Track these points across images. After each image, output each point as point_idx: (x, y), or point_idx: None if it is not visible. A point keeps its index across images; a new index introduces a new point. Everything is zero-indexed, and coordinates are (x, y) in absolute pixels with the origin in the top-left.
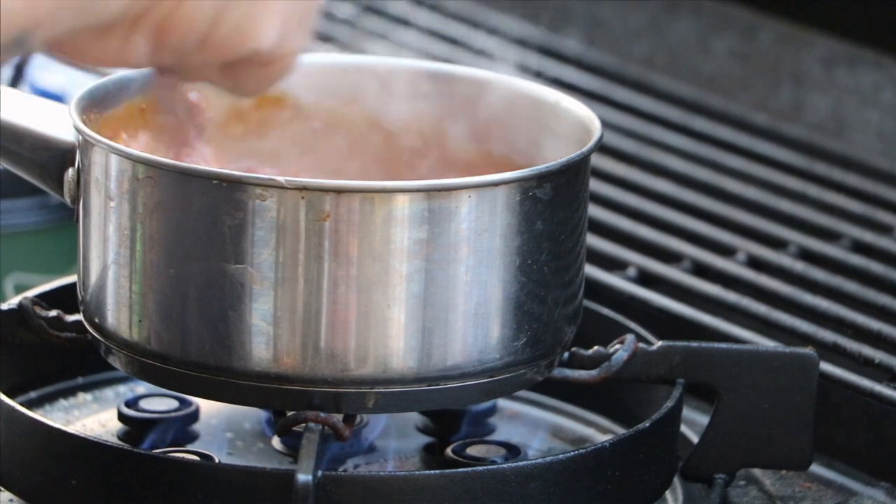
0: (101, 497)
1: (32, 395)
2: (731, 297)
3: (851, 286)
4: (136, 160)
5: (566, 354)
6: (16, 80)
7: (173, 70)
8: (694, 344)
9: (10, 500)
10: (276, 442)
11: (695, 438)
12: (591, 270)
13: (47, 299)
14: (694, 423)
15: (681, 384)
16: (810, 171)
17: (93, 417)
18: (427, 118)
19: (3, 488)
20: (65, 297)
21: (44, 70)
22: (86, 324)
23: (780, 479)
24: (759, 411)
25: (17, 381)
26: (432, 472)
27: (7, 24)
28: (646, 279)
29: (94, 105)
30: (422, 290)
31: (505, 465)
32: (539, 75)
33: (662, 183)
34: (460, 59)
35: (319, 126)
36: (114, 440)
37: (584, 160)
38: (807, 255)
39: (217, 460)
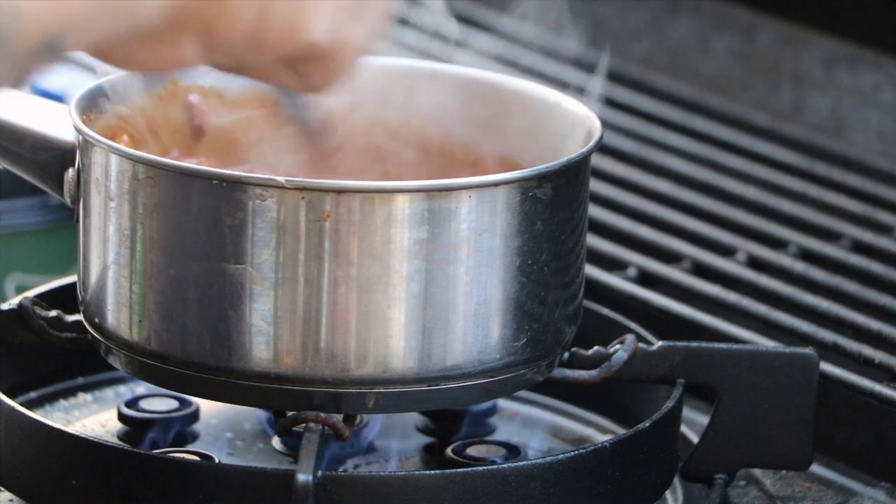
0: (102, 497)
1: (32, 395)
2: (731, 297)
3: (851, 286)
4: (137, 160)
5: (566, 354)
6: None
7: (237, 70)
8: (694, 344)
9: (10, 500)
10: (276, 442)
11: (695, 438)
12: (591, 270)
13: (47, 299)
14: (694, 424)
15: (681, 384)
16: (810, 171)
17: (93, 417)
18: (427, 118)
19: (3, 488)
20: (65, 298)
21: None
22: (86, 324)
23: (780, 480)
24: (760, 411)
25: (17, 382)
26: (432, 472)
27: (35, 27)
28: (646, 279)
29: (94, 105)
30: (422, 291)
31: (505, 466)
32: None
33: (662, 183)
34: (460, 59)
35: (319, 126)
36: (114, 440)
37: (584, 160)
38: (807, 256)
39: (217, 460)
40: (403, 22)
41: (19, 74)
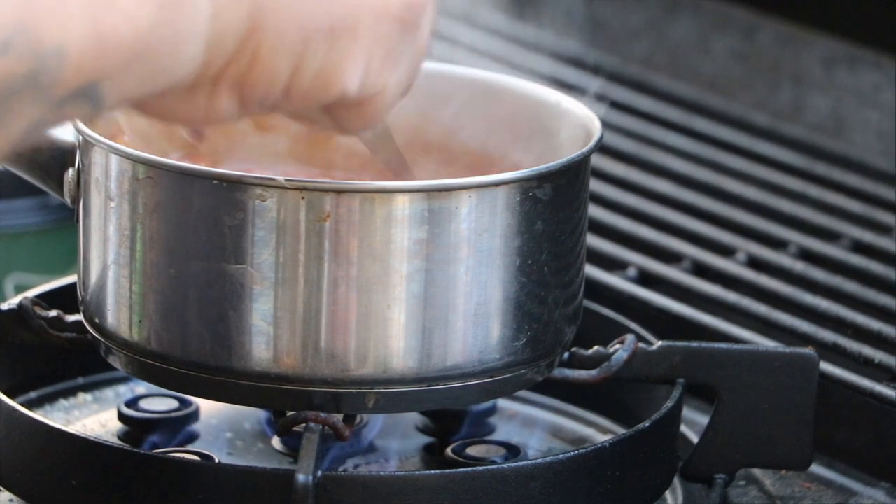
0: (102, 497)
1: (32, 395)
2: (731, 297)
3: (851, 286)
4: (137, 160)
5: (566, 354)
6: None
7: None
8: (694, 344)
9: (10, 501)
10: (276, 442)
11: (695, 438)
12: (591, 270)
13: (47, 299)
14: (694, 423)
15: (681, 384)
16: (810, 171)
17: (93, 417)
18: (427, 118)
19: (3, 488)
20: (65, 298)
21: None
22: (86, 324)
23: (780, 479)
24: (760, 411)
25: (17, 382)
26: (432, 472)
27: (75, 69)
28: (646, 279)
29: None
30: (422, 291)
31: (505, 465)
32: (539, 76)
33: (662, 183)
34: (460, 59)
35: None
36: (114, 440)
37: (584, 160)
38: (807, 256)
39: (217, 460)
40: None
41: (56, 119)
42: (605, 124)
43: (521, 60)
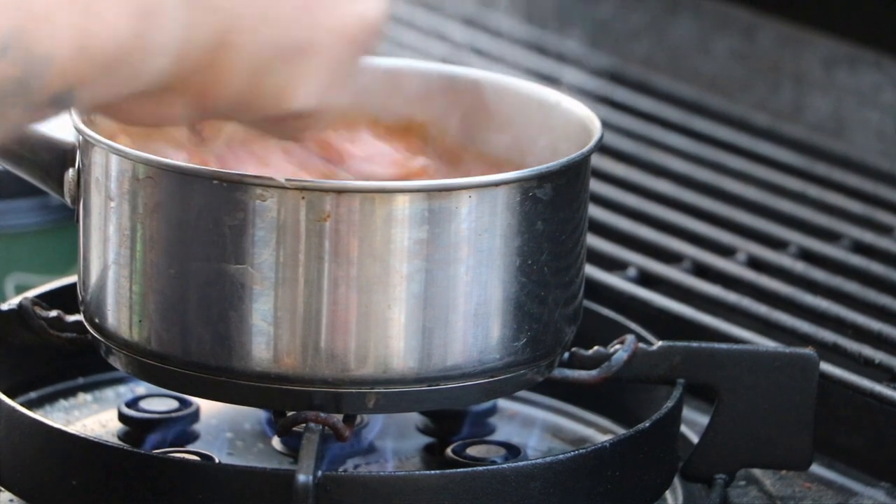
0: (102, 497)
1: (33, 395)
2: (731, 297)
3: (852, 286)
4: (137, 160)
5: (566, 355)
6: None
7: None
8: (694, 344)
9: (11, 501)
10: (276, 442)
11: (695, 438)
12: (591, 271)
13: (48, 299)
14: (694, 424)
15: (681, 384)
16: (810, 171)
17: (93, 418)
18: (427, 118)
19: (3, 488)
20: (65, 298)
21: None
22: (86, 324)
23: (780, 480)
24: (760, 411)
25: (17, 382)
26: (432, 472)
27: (58, 77)
28: (646, 279)
29: None
30: (422, 291)
31: (505, 466)
32: (539, 76)
33: (663, 183)
34: (460, 59)
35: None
36: (114, 440)
37: (584, 160)
38: (807, 256)
39: (217, 461)
40: (403, 22)
41: (30, 122)
42: (606, 124)
43: (520, 60)
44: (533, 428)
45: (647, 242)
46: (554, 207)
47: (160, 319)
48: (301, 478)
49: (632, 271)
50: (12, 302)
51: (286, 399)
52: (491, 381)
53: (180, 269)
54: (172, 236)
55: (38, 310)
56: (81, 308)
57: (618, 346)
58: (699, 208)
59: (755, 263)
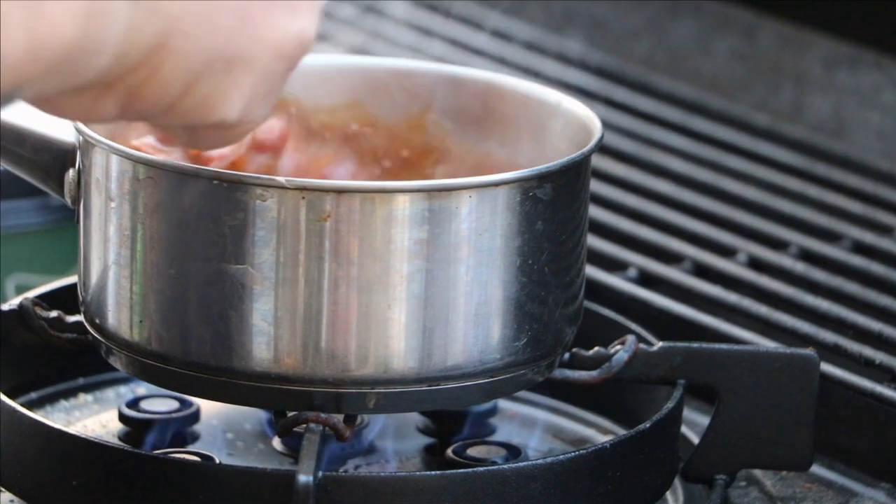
0: (102, 498)
1: (33, 395)
2: (731, 297)
3: (852, 287)
4: (137, 161)
5: (567, 355)
6: None
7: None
8: (695, 345)
9: (11, 501)
10: (276, 443)
11: (695, 439)
12: (591, 271)
13: (48, 300)
14: (695, 424)
15: (681, 385)
16: (811, 171)
17: (93, 418)
18: (427, 119)
19: (3, 489)
20: (65, 298)
21: None
22: (86, 324)
23: (780, 480)
24: (760, 412)
25: (17, 382)
26: (433, 472)
27: (6, 77)
28: (646, 280)
29: None
30: (422, 291)
31: (505, 466)
32: (539, 76)
33: (663, 184)
34: (460, 59)
35: (319, 126)
36: (114, 441)
37: (584, 160)
38: (807, 256)
39: (218, 461)
40: (403, 22)
41: None
42: (606, 124)
43: (521, 60)
44: (533, 428)
45: (647, 243)
46: (554, 207)
47: (160, 320)
48: (301, 478)
49: (632, 272)
50: (13, 302)
51: (286, 399)
52: (491, 381)
53: (180, 269)
54: (173, 236)
55: (38, 310)
56: (82, 308)
57: (618, 347)
58: (699, 209)
59: (756, 264)
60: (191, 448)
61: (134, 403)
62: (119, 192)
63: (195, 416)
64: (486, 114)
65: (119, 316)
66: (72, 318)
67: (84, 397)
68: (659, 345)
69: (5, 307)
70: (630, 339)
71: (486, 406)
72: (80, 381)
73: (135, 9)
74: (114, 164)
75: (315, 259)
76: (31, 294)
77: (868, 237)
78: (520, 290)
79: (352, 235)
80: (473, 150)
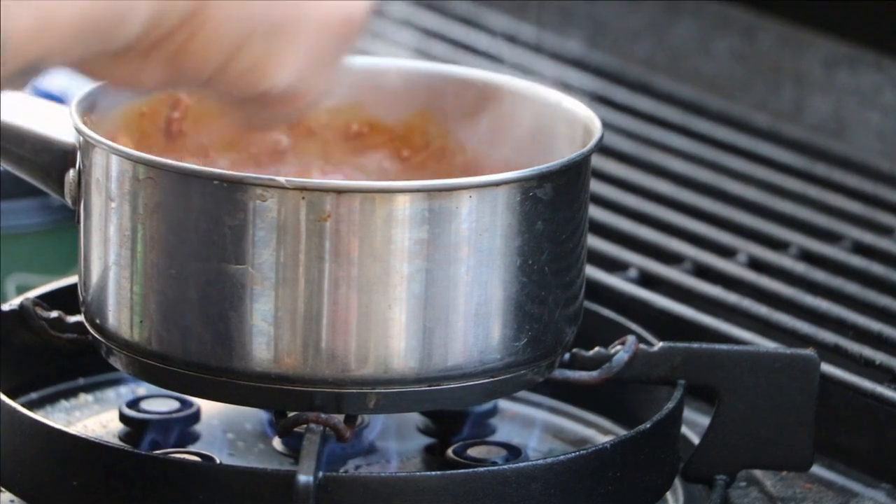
0: (102, 498)
1: (33, 395)
2: (731, 298)
3: (852, 287)
4: (137, 161)
5: (567, 355)
6: None
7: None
8: (695, 345)
9: (11, 501)
10: (276, 443)
11: (696, 439)
12: (591, 271)
13: (48, 300)
14: (695, 424)
15: (682, 385)
16: (811, 172)
17: (94, 418)
18: (427, 119)
19: (4, 489)
20: (66, 298)
21: None
22: (87, 325)
23: (780, 481)
24: (760, 412)
25: (18, 382)
26: (433, 472)
27: (20, 53)
28: (647, 280)
29: (94, 106)
30: (422, 291)
31: (506, 467)
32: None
33: (663, 184)
34: (460, 59)
35: (319, 126)
36: (115, 441)
37: (584, 160)
38: (808, 257)
39: (218, 461)
40: (403, 22)
41: None
42: (606, 125)
43: (521, 60)
44: (534, 429)
45: (647, 243)
46: (554, 207)
47: (161, 320)
48: (302, 478)
49: (632, 272)
50: (13, 302)
51: (287, 399)
52: (491, 381)
53: (181, 269)
54: (173, 237)
55: (38, 310)
56: (82, 309)
57: (619, 347)
58: (699, 209)
59: (756, 264)
60: (191, 448)
61: (134, 403)
62: (119, 192)
63: (195, 417)
64: (486, 114)
65: (119, 316)
66: (72, 319)
67: (84, 397)
68: (659, 345)
69: (5, 307)
70: (630, 339)
71: (487, 406)
72: (81, 381)
73: None
74: (114, 164)
75: (315, 259)
76: (32, 294)
77: (868, 237)
78: (520, 291)
79: (352, 235)
80: (473, 151)
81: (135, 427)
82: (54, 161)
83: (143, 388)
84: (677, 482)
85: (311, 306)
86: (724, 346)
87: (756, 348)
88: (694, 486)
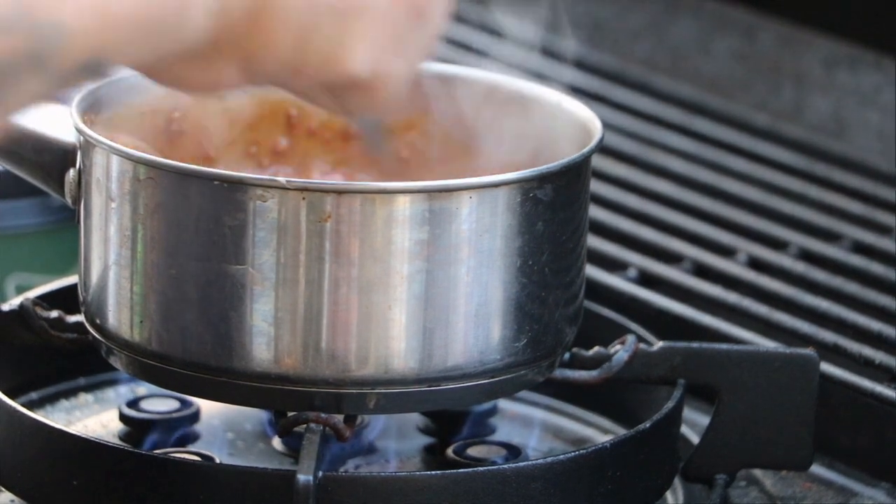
0: (103, 498)
1: (33, 395)
2: (731, 297)
3: (852, 287)
4: (137, 161)
5: (567, 355)
6: None
7: (282, 89)
8: (695, 345)
9: (12, 501)
10: (276, 443)
11: (695, 439)
12: (591, 271)
13: (48, 300)
14: (695, 424)
15: (681, 385)
16: (811, 172)
17: (94, 418)
18: (427, 119)
19: (4, 489)
20: (66, 298)
21: None
22: (87, 324)
23: (780, 480)
24: (760, 412)
25: (18, 382)
26: (433, 472)
27: (79, 45)
28: (646, 280)
29: (94, 106)
30: (423, 291)
31: (506, 466)
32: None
33: (663, 184)
34: (460, 59)
35: (319, 126)
36: (115, 441)
37: (585, 161)
38: (807, 256)
39: (218, 461)
40: None
41: (60, 90)
42: (606, 125)
43: (521, 60)
44: (533, 428)
45: (647, 243)
46: (554, 208)
47: (161, 320)
48: (302, 478)
49: (632, 272)
50: (13, 302)
51: (287, 399)
52: (491, 381)
53: (181, 269)
54: (173, 237)
55: (38, 310)
56: (82, 308)
57: (618, 347)
58: (700, 209)
59: (756, 264)
60: (191, 448)
61: (134, 403)
62: (119, 192)
63: (195, 416)
64: (487, 114)
65: (119, 316)
66: (72, 318)
67: (84, 397)
68: (659, 345)
69: (5, 307)
70: (630, 339)
71: (487, 406)
72: (81, 381)
73: None
74: (114, 164)
75: (315, 260)
76: (32, 294)
77: (868, 237)
78: (520, 291)
79: (352, 236)
80: (474, 151)
81: (135, 427)
82: (54, 161)
83: (143, 388)
84: (677, 482)
85: (311, 307)
86: (723, 346)
87: (756, 348)
88: (694, 485)
